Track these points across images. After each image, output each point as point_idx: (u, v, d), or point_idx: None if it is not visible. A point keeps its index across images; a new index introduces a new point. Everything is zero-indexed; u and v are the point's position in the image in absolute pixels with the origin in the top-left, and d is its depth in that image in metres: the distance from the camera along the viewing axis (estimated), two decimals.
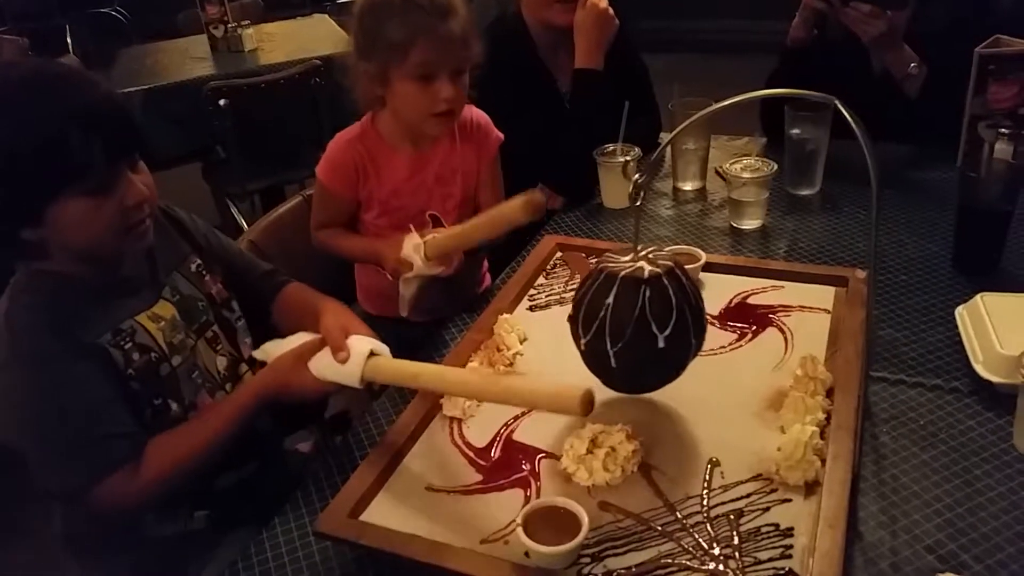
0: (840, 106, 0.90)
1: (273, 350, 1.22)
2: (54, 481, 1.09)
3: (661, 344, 1.05)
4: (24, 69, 1.12)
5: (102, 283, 1.13)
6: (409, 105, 1.44)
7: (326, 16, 4.44)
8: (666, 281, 1.06)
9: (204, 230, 1.33)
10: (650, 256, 1.09)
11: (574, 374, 1.12)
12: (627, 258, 1.10)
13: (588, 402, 0.93)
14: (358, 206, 1.57)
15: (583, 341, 1.10)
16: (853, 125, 0.88)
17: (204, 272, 1.28)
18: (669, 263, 1.08)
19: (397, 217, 1.54)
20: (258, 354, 1.26)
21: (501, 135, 1.64)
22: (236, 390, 1.23)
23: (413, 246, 1.38)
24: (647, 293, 1.05)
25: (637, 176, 1.10)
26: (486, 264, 1.80)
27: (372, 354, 1.13)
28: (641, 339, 1.05)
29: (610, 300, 1.06)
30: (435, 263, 1.39)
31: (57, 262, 1.10)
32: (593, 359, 1.12)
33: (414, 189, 1.55)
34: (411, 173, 1.54)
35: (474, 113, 1.60)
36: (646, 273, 1.06)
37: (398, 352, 1.17)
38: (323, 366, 1.14)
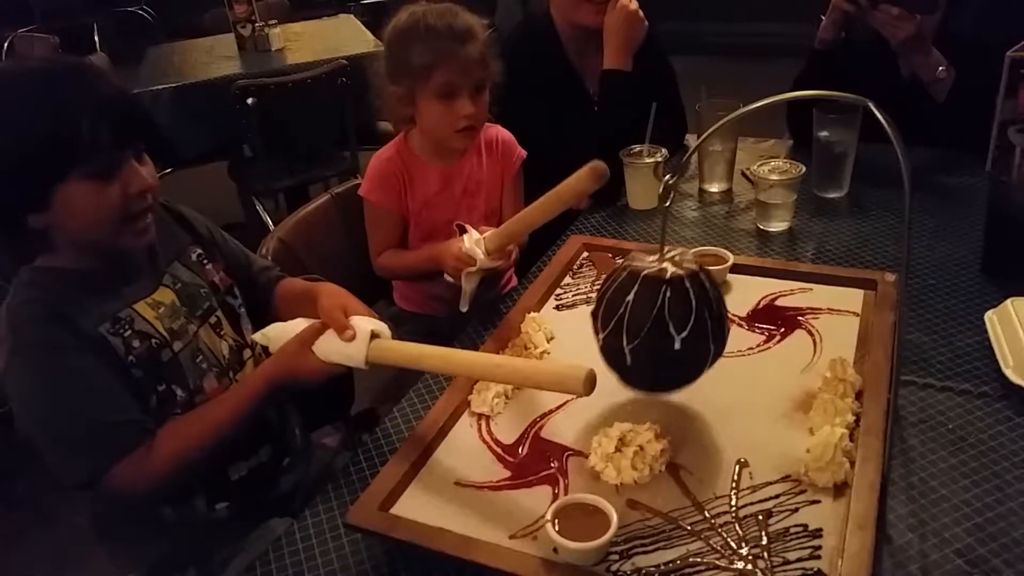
0: (874, 108, 0.90)
1: (274, 334, 1.24)
2: (64, 472, 1.11)
3: (677, 346, 1.05)
4: (37, 61, 1.17)
5: (102, 273, 1.14)
6: (434, 122, 1.54)
7: (351, 16, 4.47)
8: (688, 284, 1.05)
9: (204, 222, 1.35)
10: (675, 258, 1.09)
11: (600, 372, 1.11)
12: (652, 258, 1.09)
13: (591, 382, 0.97)
14: (407, 220, 1.63)
15: (600, 336, 1.10)
16: (887, 127, 0.88)
17: (205, 261, 1.30)
18: (693, 266, 1.08)
19: (426, 228, 1.63)
20: (258, 337, 1.27)
21: (524, 152, 1.70)
22: (246, 377, 1.24)
23: (474, 241, 1.42)
24: (667, 293, 1.04)
25: (668, 177, 1.09)
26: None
27: (374, 335, 1.14)
28: (657, 339, 1.05)
29: (630, 298, 1.06)
30: (495, 256, 1.42)
31: (61, 255, 1.12)
32: (609, 355, 1.11)
33: (443, 201, 1.63)
34: (442, 187, 1.63)
35: (499, 131, 1.69)
36: (668, 274, 1.05)
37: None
38: (327, 348, 1.15)
